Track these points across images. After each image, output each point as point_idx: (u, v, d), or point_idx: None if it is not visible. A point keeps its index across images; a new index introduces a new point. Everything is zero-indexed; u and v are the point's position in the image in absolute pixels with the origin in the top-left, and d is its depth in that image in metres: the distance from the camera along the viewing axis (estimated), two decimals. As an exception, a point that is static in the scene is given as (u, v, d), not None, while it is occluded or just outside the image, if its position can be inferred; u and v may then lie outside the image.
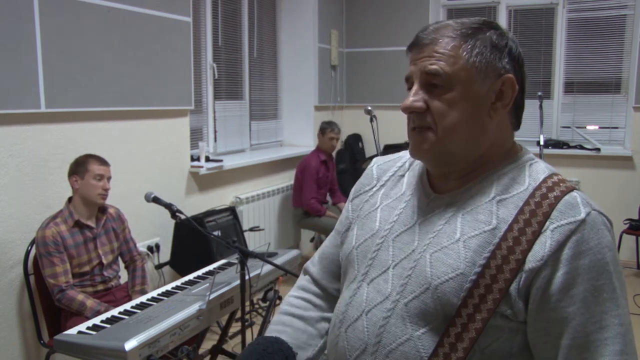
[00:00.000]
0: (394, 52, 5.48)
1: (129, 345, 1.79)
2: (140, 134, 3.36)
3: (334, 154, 4.92)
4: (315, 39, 5.17)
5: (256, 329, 3.09)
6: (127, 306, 2.20)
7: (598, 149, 4.98)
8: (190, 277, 2.50)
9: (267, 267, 2.47)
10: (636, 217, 4.66)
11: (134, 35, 3.21)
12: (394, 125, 4.99)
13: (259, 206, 4.44)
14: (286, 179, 4.91)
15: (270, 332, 1.17)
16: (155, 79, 3.38)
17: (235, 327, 3.15)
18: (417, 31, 1.03)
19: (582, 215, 0.90)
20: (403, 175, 1.15)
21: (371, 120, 3.85)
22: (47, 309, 2.64)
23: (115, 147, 3.16)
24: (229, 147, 4.50)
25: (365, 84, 5.77)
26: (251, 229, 4.13)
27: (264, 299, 2.69)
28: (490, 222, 0.95)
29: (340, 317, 1.06)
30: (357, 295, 1.05)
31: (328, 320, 1.19)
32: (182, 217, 2.38)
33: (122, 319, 2.05)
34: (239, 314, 2.36)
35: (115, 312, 2.13)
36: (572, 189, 0.95)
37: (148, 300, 2.25)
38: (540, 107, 4.08)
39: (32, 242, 2.65)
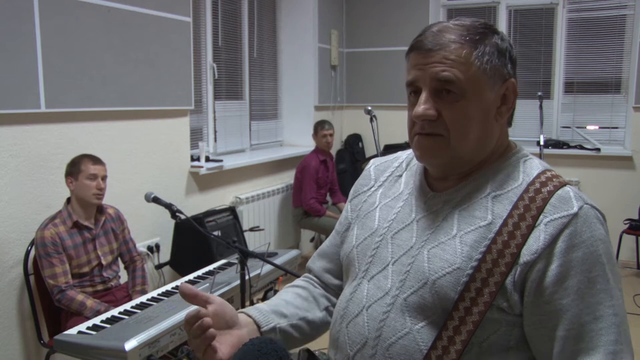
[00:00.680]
0: (394, 52, 5.47)
1: (129, 345, 1.79)
2: (140, 134, 3.36)
3: (333, 154, 4.92)
4: (315, 39, 5.17)
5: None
6: (127, 306, 2.20)
7: (598, 149, 4.98)
8: (190, 277, 2.50)
9: (267, 267, 2.47)
10: (636, 217, 4.66)
11: (134, 35, 3.21)
12: (394, 125, 4.98)
13: (259, 206, 4.44)
14: (286, 179, 4.91)
15: (273, 300, 1.19)
16: (155, 79, 3.38)
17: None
18: (417, 31, 1.03)
19: (575, 209, 0.92)
20: (401, 175, 1.17)
21: (371, 120, 3.84)
22: (47, 309, 2.64)
23: (115, 147, 3.16)
24: (229, 147, 4.50)
25: (365, 84, 5.76)
26: (251, 229, 4.13)
27: (264, 299, 2.70)
28: (485, 217, 0.98)
29: (341, 313, 1.08)
30: (357, 292, 1.07)
31: (329, 299, 1.22)
32: (182, 217, 2.38)
33: (122, 319, 2.05)
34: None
35: (115, 312, 2.14)
36: (564, 184, 0.97)
37: (148, 300, 2.25)
38: (540, 107, 4.09)
39: (32, 242, 2.65)
